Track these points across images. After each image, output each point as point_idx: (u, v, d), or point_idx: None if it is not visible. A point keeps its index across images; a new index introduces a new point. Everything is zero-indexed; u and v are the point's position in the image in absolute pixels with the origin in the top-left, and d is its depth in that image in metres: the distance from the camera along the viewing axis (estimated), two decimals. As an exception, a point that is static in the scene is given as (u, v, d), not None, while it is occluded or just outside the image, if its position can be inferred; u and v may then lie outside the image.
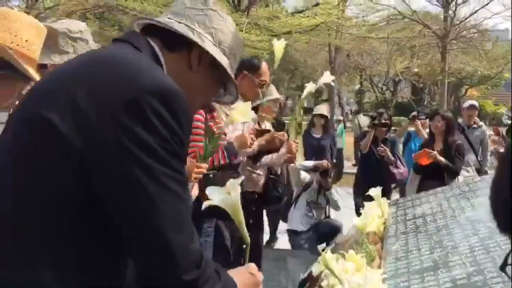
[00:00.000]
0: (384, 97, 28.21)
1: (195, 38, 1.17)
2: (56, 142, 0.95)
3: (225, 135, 2.75)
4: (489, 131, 5.92)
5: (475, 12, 15.77)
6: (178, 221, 0.97)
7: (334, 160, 5.94)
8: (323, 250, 3.90)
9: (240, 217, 1.27)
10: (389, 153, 4.89)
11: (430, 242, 2.00)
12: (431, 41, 16.25)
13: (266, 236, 4.78)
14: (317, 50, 21.76)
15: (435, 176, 4.41)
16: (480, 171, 5.39)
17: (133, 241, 0.97)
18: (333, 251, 2.45)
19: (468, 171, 4.97)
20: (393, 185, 5.15)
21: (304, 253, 4.09)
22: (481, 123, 5.85)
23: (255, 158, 3.05)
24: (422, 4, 26.34)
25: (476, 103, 6.04)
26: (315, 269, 1.94)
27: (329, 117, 5.85)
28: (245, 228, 1.29)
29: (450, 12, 15.66)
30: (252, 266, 1.24)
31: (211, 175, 2.42)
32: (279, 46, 2.91)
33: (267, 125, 3.33)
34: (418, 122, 5.34)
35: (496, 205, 0.88)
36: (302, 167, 4.45)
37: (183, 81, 1.10)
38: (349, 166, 10.80)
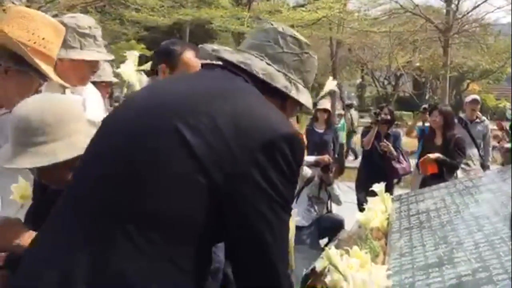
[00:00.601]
0: (385, 91, 28.15)
1: (293, 90, 1.27)
2: (188, 159, 1.07)
3: None
4: (491, 126, 5.90)
5: (477, 6, 15.68)
6: (285, 252, 1.19)
7: (336, 155, 5.92)
8: (325, 245, 3.91)
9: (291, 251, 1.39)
10: (392, 148, 4.88)
11: (434, 238, 1.99)
12: (433, 35, 16.17)
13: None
14: (318, 44, 21.70)
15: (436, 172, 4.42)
16: (482, 166, 5.38)
17: (247, 264, 1.15)
18: (336, 247, 2.45)
19: (469, 166, 4.96)
20: (395, 180, 5.14)
21: (306, 248, 4.09)
22: (484, 117, 5.84)
23: None
24: (424, -2, 26.23)
25: (478, 97, 6.03)
26: (319, 264, 1.93)
27: (331, 111, 5.83)
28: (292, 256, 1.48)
29: (453, 6, 15.55)
30: None
31: None
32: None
33: None
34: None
35: None
36: (304, 162, 4.44)
37: None
38: (350, 161, 10.80)
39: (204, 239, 1.13)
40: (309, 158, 4.63)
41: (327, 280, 1.77)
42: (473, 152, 5.42)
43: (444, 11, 16.25)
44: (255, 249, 1.13)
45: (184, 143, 1.08)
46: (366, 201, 2.60)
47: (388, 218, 2.48)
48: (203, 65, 2.55)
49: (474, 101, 5.79)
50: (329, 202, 4.50)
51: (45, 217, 1.23)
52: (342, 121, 13.97)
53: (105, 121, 1.29)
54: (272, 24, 1.36)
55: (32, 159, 1.45)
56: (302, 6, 15.42)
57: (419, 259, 1.80)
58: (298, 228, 4.41)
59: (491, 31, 20.96)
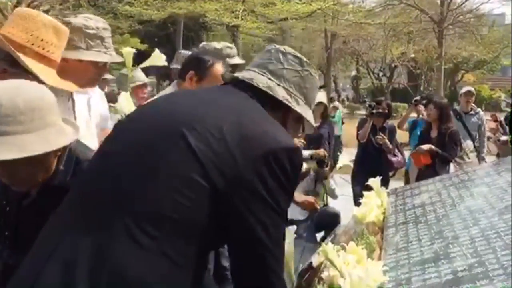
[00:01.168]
0: (380, 83, 28.17)
1: (293, 103, 1.37)
2: (193, 163, 1.15)
3: None
4: (486, 117, 5.91)
5: (472, -4, 15.71)
6: (280, 255, 1.26)
7: (332, 149, 5.92)
8: (322, 239, 3.91)
9: (290, 264, 1.52)
10: (387, 141, 4.88)
11: (430, 233, 1.99)
12: (427, 26, 16.16)
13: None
14: (313, 36, 21.67)
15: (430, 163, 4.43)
16: (477, 158, 5.40)
17: (243, 264, 1.23)
18: (333, 242, 2.45)
19: (464, 159, 4.98)
20: (391, 173, 5.15)
21: (302, 242, 4.09)
22: (478, 109, 5.85)
23: None
24: (418, -11, 26.22)
25: (472, 89, 6.03)
26: (315, 260, 1.93)
27: (327, 105, 5.81)
28: (293, 274, 1.56)
29: (447, -3, 15.58)
30: None
31: None
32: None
33: None
34: (421, 107, 5.33)
35: None
36: None
37: None
38: (345, 153, 10.81)
39: (203, 240, 1.18)
40: (304, 152, 4.62)
41: (324, 275, 1.77)
42: (468, 144, 5.43)
43: (439, 2, 16.23)
44: (251, 251, 1.20)
45: (189, 147, 1.16)
46: (362, 195, 2.61)
47: (384, 213, 2.48)
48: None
49: (469, 92, 5.80)
50: (325, 195, 4.50)
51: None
52: (338, 113, 13.97)
53: (119, 125, 1.42)
54: (275, 46, 1.47)
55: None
56: (297, -2, 15.38)
57: (415, 254, 1.80)
58: (294, 222, 4.42)
59: (485, 21, 20.98)
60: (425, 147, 4.45)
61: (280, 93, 1.36)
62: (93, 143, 2.43)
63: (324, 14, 14.81)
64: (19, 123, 1.31)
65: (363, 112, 11.84)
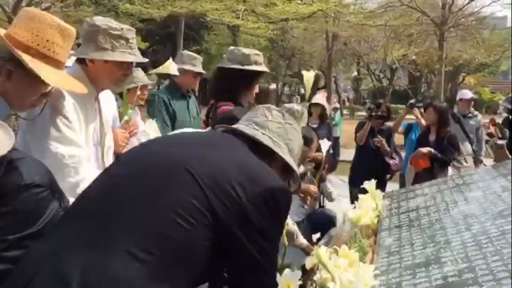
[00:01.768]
0: (381, 85, 28.16)
1: (277, 148, 1.51)
2: (199, 193, 1.27)
3: None
4: (484, 120, 5.92)
5: (473, 0, 15.69)
6: (274, 271, 1.47)
7: (330, 150, 5.93)
8: (318, 240, 3.90)
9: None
10: (385, 144, 4.89)
11: (423, 237, 2.00)
12: (428, 28, 16.16)
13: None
14: (314, 37, 21.67)
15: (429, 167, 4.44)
16: (475, 160, 5.41)
17: (243, 281, 1.40)
18: (327, 245, 2.46)
19: (461, 163, 4.98)
20: (388, 176, 5.15)
21: (298, 243, 4.09)
22: (476, 112, 5.87)
23: None
24: (420, -9, 26.19)
25: (471, 94, 6.06)
26: (309, 262, 1.94)
27: (326, 106, 5.82)
28: None
29: (448, -1, 15.57)
30: None
31: None
32: (308, 76, 3.00)
33: None
34: (417, 110, 5.33)
35: None
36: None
37: None
38: (344, 155, 10.80)
39: (199, 263, 1.28)
40: None
41: (316, 277, 1.78)
42: (466, 147, 5.44)
43: (440, 4, 16.22)
44: (249, 271, 1.38)
45: (194, 178, 1.30)
46: (358, 197, 2.62)
47: (378, 216, 2.49)
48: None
49: (471, 99, 5.86)
50: (321, 197, 4.50)
51: None
52: (338, 114, 13.96)
53: (129, 152, 1.61)
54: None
55: None
56: (298, -1, 15.36)
57: (407, 258, 1.81)
58: (291, 223, 4.41)
59: (486, 24, 20.97)
60: (424, 150, 4.45)
61: (265, 140, 1.51)
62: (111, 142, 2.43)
63: (325, 15, 14.79)
64: None
65: (364, 113, 11.83)
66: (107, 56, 2.16)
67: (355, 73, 33.73)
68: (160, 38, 21.97)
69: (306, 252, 3.32)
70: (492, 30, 22.49)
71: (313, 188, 3.19)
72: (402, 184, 4.96)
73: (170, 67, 2.91)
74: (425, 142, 4.62)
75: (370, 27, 17.08)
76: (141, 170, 1.36)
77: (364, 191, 2.64)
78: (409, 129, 5.62)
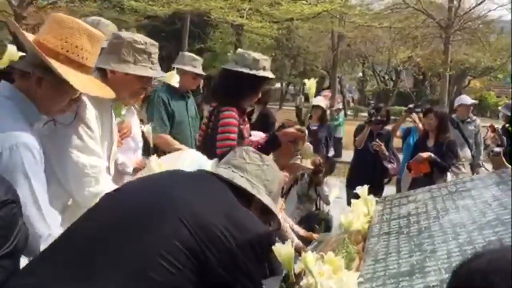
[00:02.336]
0: (386, 86, 28.09)
1: (254, 191, 1.57)
2: (186, 237, 1.32)
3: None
4: (485, 123, 5.91)
5: (480, 3, 15.62)
6: None
7: (331, 152, 5.93)
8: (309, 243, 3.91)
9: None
10: (384, 148, 4.88)
11: (410, 245, 2.01)
12: (434, 31, 16.10)
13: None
14: (320, 37, 21.63)
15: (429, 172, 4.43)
16: (473, 165, 5.40)
17: None
18: (316, 249, 2.47)
19: (459, 169, 4.98)
20: (385, 180, 5.15)
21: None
22: (475, 117, 5.88)
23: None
24: (427, -7, 26.05)
25: (470, 99, 6.05)
26: (297, 267, 1.95)
27: (325, 107, 5.82)
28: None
29: (455, 2, 15.47)
30: None
31: None
32: (311, 83, 2.99)
33: None
34: (415, 115, 5.32)
35: None
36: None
37: None
38: (347, 156, 10.80)
39: None
40: None
41: (302, 283, 1.79)
42: (465, 152, 5.44)
43: (447, 7, 16.15)
44: None
45: (182, 223, 1.34)
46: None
47: (369, 221, 2.50)
48: None
49: (471, 104, 5.86)
50: (318, 199, 4.52)
51: None
52: (341, 115, 13.95)
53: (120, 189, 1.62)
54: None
55: None
56: (303, -1, 15.33)
57: (392, 266, 1.82)
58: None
59: (493, 28, 20.86)
60: (425, 155, 4.44)
61: (243, 182, 1.57)
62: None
63: (331, 15, 14.76)
64: None
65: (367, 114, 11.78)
66: (128, 69, 2.19)
67: (360, 74, 33.65)
68: (166, 35, 21.98)
69: (299, 253, 3.33)
70: (499, 34, 22.38)
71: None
72: (399, 189, 4.97)
73: (172, 79, 2.92)
74: (423, 147, 4.61)
75: (376, 29, 17.02)
76: (129, 209, 1.40)
77: (358, 196, 2.65)
78: (407, 133, 5.61)
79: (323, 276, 1.67)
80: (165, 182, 1.55)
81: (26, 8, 13.22)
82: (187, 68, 3.86)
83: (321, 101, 5.96)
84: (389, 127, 5.33)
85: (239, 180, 1.57)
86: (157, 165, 2.23)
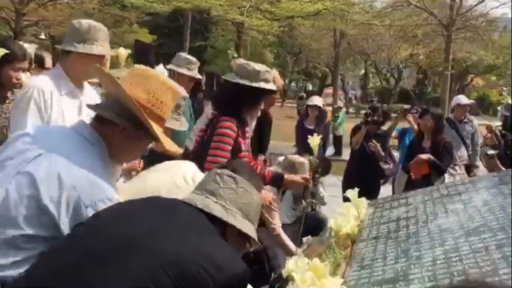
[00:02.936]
0: (388, 84, 28.01)
1: (230, 219, 1.53)
2: (157, 283, 1.29)
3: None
4: (483, 122, 5.88)
5: (482, 1, 15.53)
6: None
7: (328, 152, 5.91)
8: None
9: None
10: (380, 149, 4.86)
11: (397, 250, 1.99)
12: (436, 29, 16.03)
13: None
14: (322, 34, 21.58)
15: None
16: (470, 166, 5.39)
17: None
18: (304, 252, 2.45)
19: (456, 170, 4.95)
20: (382, 181, 5.13)
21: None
22: (472, 117, 5.86)
23: None
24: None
25: (466, 100, 6.03)
26: (285, 271, 1.94)
27: (323, 107, 5.80)
28: None
29: (457, 0, 15.39)
30: None
31: None
32: (314, 141, 3.02)
33: None
34: (410, 117, 5.30)
35: None
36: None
37: None
38: (347, 154, 10.79)
39: None
40: (298, 158, 4.60)
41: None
42: (462, 152, 5.42)
43: (449, 4, 16.08)
44: None
45: (159, 264, 1.32)
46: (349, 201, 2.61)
47: (359, 225, 2.48)
48: None
49: (467, 105, 5.84)
50: (313, 200, 4.49)
51: None
52: (342, 113, 13.93)
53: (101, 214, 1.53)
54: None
55: None
56: (304, -4, 15.26)
57: (377, 273, 1.81)
58: (282, 226, 4.41)
59: (496, 26, 20.76)
60: (425, 156, 4.41)
61: (217, 209, 1.53)
62: None
63: (333, 13, 14.70)
64: None
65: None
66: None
67: (363, 71, 33.56)
68: (169, 31, 21.96)
69: (289, 255, 3.35)
70: (501, 31, 22.28)
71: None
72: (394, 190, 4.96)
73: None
74: (419, 148, 4.59)
75: (377, 27, 16.96)
76: (103, 244, 1.38)
77: (360, 194, 2.63)
78: (403, 133, 5.59)
79: (305, 283, 1.66)
80: (142, 217, 1.49)
81: (26, 5, 13.22)
82: (183, 71, 3.84)
83: (318, 100, 5.94)
84: (386, 127, 5.30)
85: (213, 206, 1.55)
86: (150, 175, 2.22)
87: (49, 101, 2.41)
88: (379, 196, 4.67)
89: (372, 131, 4.94)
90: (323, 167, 4.47)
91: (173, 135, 3.72)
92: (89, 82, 2.69)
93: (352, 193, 2.65)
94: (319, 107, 5.73)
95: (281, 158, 3.68)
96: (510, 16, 17.32)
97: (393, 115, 6.75)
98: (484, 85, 29.44)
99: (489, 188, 2.53)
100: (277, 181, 3.15)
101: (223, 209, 1.55)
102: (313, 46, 24.45)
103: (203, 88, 8.26)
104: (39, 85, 2.44)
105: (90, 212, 1.53)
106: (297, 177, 3.26)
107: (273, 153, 5.69)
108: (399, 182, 4.73)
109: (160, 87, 1.84)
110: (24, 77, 2.85)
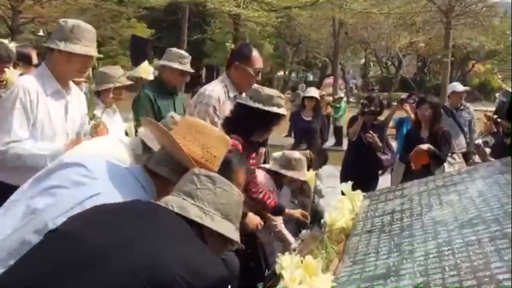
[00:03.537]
0: (388, 72, 27.89)
1: (207, 221, 1.49)
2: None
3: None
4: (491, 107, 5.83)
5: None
6: None
7: (327, 143, 5.87)
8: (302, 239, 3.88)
9: None
10: (377, 139, 4.81)
11: (389, 244, 1.97)
12: (435, 16, 15.90)
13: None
14: (321, 23, 21.45)
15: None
16: (468, 154, 5.35)
17: None
18: (298, 249, 2.43)
19: (454, 159, 4.91)
20: (380, 172, 5.09)
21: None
22: (468, 104, 5.82)
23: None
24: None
25: (462, 87, 5.98)
26: (277, 268, 1.92)
27: (320, 98, 5.76)
28: None
29: (456, -14, 15.26)
30: None
31: None
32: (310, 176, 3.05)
33: None
34: (407, 106, 5.23)
35: None
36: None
37: None
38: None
39: None
40: (295, 154, 4.56)
41: (280, 285, 1.76)
42: (460, 140, 5.38)
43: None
44: None
45: (133, 273, 1.28)
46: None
47: (354, 218, 2.45)
48: None
49: (462, 92, 5.79)
50: (312, 193, 4.47)
51: None
52: (343, 103, 13.85)
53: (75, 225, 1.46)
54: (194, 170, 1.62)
55: None
56: (300, -13, 15.14)
57: (369, 268, 1.78)
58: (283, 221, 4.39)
59: (495, 11, 20.58)
60: (425, 147, 4.37)
61: (193, 212, 1.49)
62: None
63: (331, 2, 14.59)
64: None
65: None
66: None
67: (363, 60, 33.41)
68: (167, 25, 21.88)
69: (285, 247, 3.37)
70: (502, 16, 22.10)
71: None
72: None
73: (143, 71, 2.83)
74: (417, 138, 4.54)
75: (376, 15, 16.84)
76: (75, 250, 1.34)
77: (355, 187, 2.60)
78: (400, 123, 5.53)
79: (294, 282, 1.64)
80: (117, 224, 1.44)
81: (22, 2, 13.17)
82: (174, 65, 3.79)
83: (314, 92, 5.90)
84: (383, 117, 5.24)
85: (190, 209, 1.50)
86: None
87: (35, 101, 2.39)
88: (378, 187, 4.65)
89: (369, 122, 4.89)
90: (320, 159, 4.43)
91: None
92: (73, 81, 2.65)
93: (346, 186, 2.62)
94: (316, 98, 5.69)
95: (276, 154, 3.65)
96: (510, 0, 17.13)
97: (394, 103, 6.67)
98: (486, 71, 29.27)
99: (485, 178, 2.50)
100: (277, 213, 3.40)
101: (200, 211, 1.51)
102: (312, 36, 24.29)
103: (203, 81, 8.22)
104: (24, 85, 2.41)
105: None
106: (296, 212, 3.56)
107: (272, 145, 5.66)
108: (396, 172, 4.69)
109: (215, 142, 1.83)
110: (9, 73, 2.83)
